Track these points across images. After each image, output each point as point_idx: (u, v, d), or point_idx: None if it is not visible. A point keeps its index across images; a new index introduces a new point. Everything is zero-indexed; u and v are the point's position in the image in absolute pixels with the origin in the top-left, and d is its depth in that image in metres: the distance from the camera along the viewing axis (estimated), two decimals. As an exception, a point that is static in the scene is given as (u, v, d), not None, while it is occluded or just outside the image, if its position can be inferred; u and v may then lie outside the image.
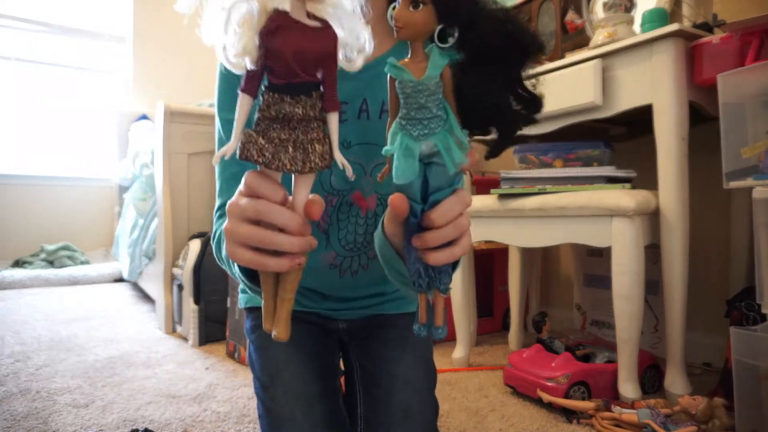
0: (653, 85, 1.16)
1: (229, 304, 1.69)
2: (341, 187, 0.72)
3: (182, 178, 2.00)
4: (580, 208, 1.19)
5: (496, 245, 1.88)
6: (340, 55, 0.39)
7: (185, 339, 1.83)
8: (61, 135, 3.74)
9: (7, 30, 3.56)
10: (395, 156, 0.40)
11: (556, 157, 1.33)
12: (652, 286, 1.41)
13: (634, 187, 1.20)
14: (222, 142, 0.73)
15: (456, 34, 0.39)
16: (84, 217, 3.70)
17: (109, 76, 3.89)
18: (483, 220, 1.41)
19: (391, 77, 0.40)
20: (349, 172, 0.41)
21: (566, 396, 1.17)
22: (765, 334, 0.95)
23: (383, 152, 0.41)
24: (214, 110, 0.74)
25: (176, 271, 1.92)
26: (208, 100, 2.54)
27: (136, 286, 2.86)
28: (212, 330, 1.78)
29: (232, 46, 0.37)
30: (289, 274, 0.42)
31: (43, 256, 3.38)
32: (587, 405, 1.11)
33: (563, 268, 1.98)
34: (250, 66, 0.37)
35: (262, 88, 0.39)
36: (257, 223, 0.41)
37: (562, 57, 1.40)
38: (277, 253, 0.41)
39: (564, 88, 1.29)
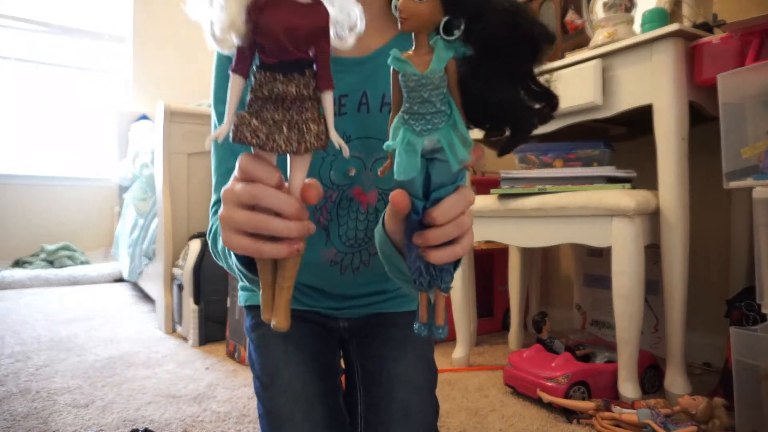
0: (653, 85, 1.16)
1: (229, 304, 1.69)
2: (341, 182, 0.71)
3: (182, 178, 2.00)
4: (580, 208, 1.19)
5: (496, 245, 1.88)
6: (332, 33, 0.38)
7: (185, 339, 1.83)
8: (61, 135, 3.74)
9: (7, 30, 3.55)
10: (397, 151, 0.39)
11: (556, 157, 1.33)
12: (652, 286, 1.41)
13: (634, 187, 1.20)
14: None
15: (462, 26, 0.37)
16: (84, 217, 3.70)
17: (109, 76, 3.89)
18: (483, 220, 1.41)
19: (394, 70, 0.38)
20: (346, 152, 0.40)
21: (566, 396, 1.17)
22: (765, 334, 0.95)
23: (385, 147, 0.40)
24: (211, 107, 0.72)
25: (176, 271, 1.92)
26: (208, 100, 2.50)
27: (136, 286, 2.86)
28: (212, 330, 1.78)
29: (218, 20, 0.36)
30: (287, 261, 0.41)
31: (43, 256, 3.38)
32: (587, 405, 1.11)
33: (563, 268, 1.98)
34: (236, 41, 0.36)
35: (254, 68, 0.37)
36: (253, 208, 0.40)
37: (562, 57, 1.40)
38: (274, 239, 0.40)
39: (564, 88, 1.26)
